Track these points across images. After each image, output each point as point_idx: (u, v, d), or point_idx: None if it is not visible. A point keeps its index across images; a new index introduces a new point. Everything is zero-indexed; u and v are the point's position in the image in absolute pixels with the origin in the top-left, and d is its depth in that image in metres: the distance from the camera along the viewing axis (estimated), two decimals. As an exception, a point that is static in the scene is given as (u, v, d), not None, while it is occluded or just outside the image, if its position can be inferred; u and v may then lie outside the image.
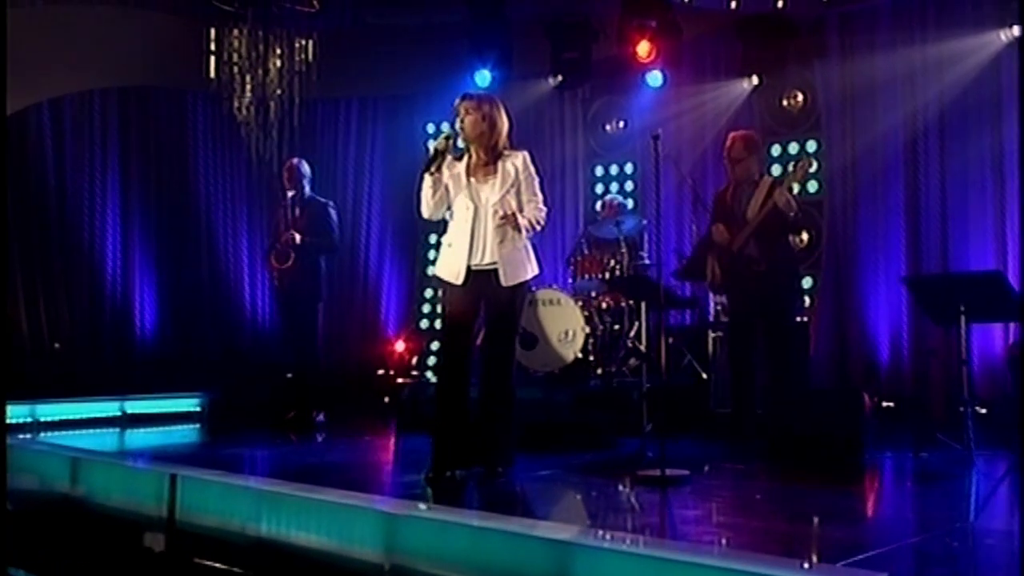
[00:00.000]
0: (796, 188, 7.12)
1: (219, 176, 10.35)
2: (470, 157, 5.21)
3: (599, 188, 9.70)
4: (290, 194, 7.84)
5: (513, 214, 5.07)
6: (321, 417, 7.71)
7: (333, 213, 7.96)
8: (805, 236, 8.41)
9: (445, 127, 9.03)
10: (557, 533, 3.17)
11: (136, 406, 8.09)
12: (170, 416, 8.16)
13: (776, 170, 8.45)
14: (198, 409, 8.37)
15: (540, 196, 5.25)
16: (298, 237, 7.68)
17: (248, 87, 8.99)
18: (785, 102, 8.72)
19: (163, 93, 10.00)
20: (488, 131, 5.14)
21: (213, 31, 8.85)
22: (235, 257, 10.43)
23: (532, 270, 5.23)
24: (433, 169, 5.09)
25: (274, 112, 9.12)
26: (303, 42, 9.06)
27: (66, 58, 9.06)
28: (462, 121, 5.14)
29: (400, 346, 10.03)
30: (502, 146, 5.19)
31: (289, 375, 7.96)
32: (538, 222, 5.17)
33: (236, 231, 10.42)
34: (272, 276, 8.08)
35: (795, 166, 6.65)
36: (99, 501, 4.32)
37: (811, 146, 8.56)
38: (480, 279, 5.12)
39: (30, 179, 9.27)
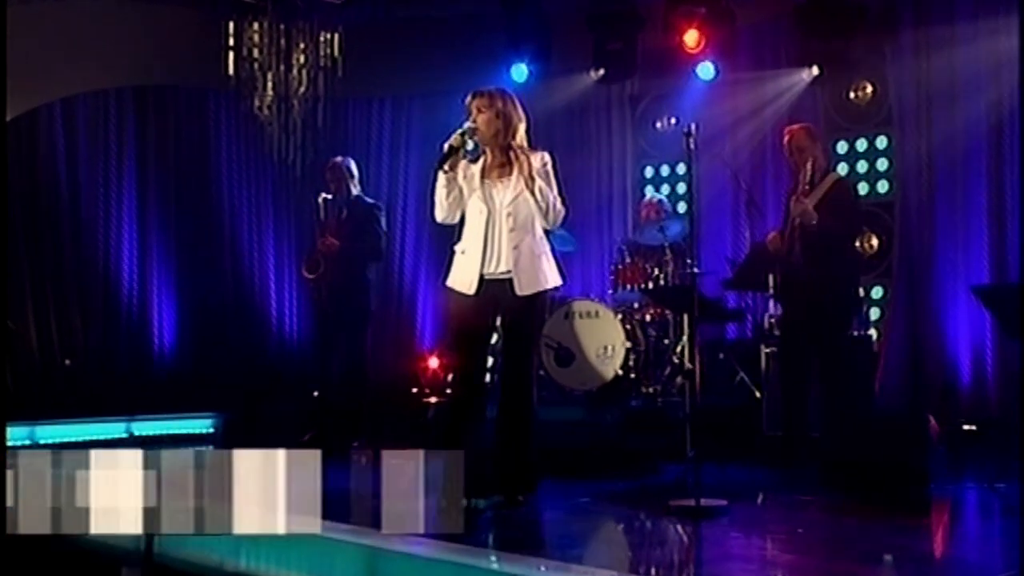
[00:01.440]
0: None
1: (244, 181, 10.39)
2: (485, 159, 5.23)
3: (649, 190, 9.60)
4: (327, 196, 7.69)
5: (532, 177, 5.03)
6: (357, 444, 7.48)
7: (381, 216, 7.80)
8: (875, 241, 8.30)
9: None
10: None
11: (144, 427, 8.14)
12: (180, 438, 8.18)
13: (843, 169, 8.30)
14: (211, 431, 8.39)
15: (558, 197, 5.21)
16: (337, 244, 7.53)
17: (269, 85, 9.02)
18: (852, 94, 8.59)
19: (182, 92, 10.08)
20: (503, 129, 5.15)
21: (232, 25, 8.87)
22: (261, 267, 10.48)
23: (552, 279, 5.21)
24: (447, 167, 5.10)
25: (297, 112, 9.15)
26: (328, 36, 9.05)
27: (78, 56, 9.15)
28: (475, 120, 5.15)
29: (434, 362, 9.98)
30: (518, 144, 5.18)
31: (316, 393, 7.92)
32: (553, 208, 5.11)
33: (262, 239, 10.46)
34: (311, 288, 7.98)
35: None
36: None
37: (881, 142, 8.44)
38: (494, 289, 5.11)
39: (40, 185, 9.38)
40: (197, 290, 10.08)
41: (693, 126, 5.60)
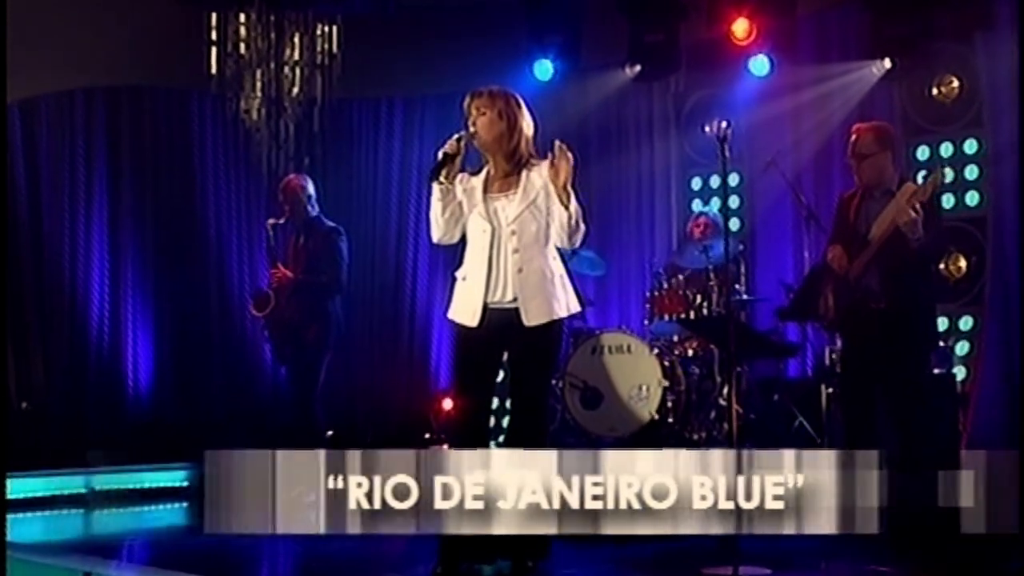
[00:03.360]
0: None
1: (232, 194, 10.35)
2: (488, 169, 5.16)
3: (696, 204, 9.46)
4: (278, 220, 7.83)
5: (566, 191, 4.88)
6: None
7: (343, 241, 7.90)
8: (963, 263, 8.13)
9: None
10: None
11: (108, 481, 8.14)
12: (149, 493, 8.19)
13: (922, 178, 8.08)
14: (185, 484, 8.34)
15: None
16: (291, 275, 7.67)
17: (258, 85, 9.00)
18: (935, 91, 8.42)
19: (160, 93, 10.05)
20: (507, 132, 5.06)
21: (215, 17, 8.88)
22: (251, 291, 10.33)
23: (568, 305, 5.11)
24: (442, 177, 5.01)
25: (290, 115, 9.13)
26: (325, 29, 9.08)
27: (40, 51, 9.02)
28: (474, 123, 5.07)
29: (448, 403, 9.84)
30: (526, 152, 5.11)
31: (330, 432, 8.07)
32: (566, 228, 4.97)
33: (253, 261, 10.37)
34: (261, 327, 8.10)
35: (924, 179, 6.45)
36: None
37: (970, 146, 8.25)
38: (501, 320, 5.02)
39: (-6, 199, 9.36)
40: (178, 320, 10.01)
41: (726, 126, 5.41)
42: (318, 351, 7.78)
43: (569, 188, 4.91)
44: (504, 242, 5.02)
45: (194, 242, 10.17)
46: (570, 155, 4.90)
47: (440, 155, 4.98)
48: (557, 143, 4.92)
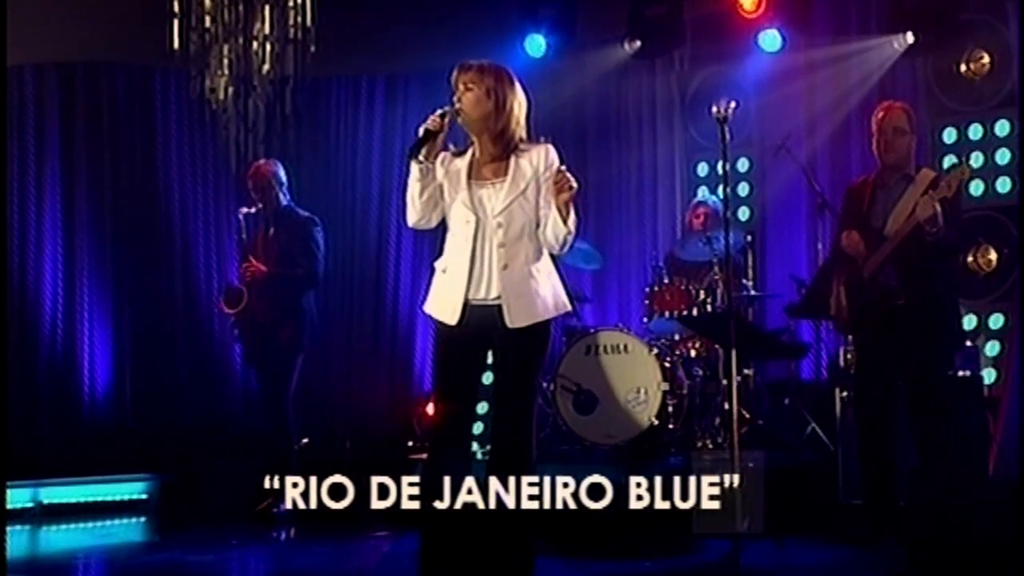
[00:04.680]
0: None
1: (198, 181, 10.29)
2: (474, 152, 5.08)
3: (702, 192, 9.42)
4: (250, 209, 7.84)
5: (567, 208, 4.85)
6: (282, 508, 7.48)
7: (319, 232, 7.91)
8: (993, 255, 8.11)
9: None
10: None
11: (57, 494, 8.12)
12: (101, 507, 8.16)
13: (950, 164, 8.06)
14: (143, 497, 8.35)
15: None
16: (264, 268, 7.67)
17: (225, 62, 8.92)
18: (963, 67, 8.38)
19: (118, 71, 9.99)
20: (495, 112, 4.98)
21: (176, -14, 8.82)
22: (220, 286, 10.09)
23: (556, 305, 5.06)
24: (422, 155, 4.94)
25: (260, 95, 9.07)
26: (298, 1, 8.94)
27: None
28: (460, 100, 5.00)
29: (432, 408, 9.81)
30: (516, 136, 5.04)
31: (305, 440, 8.14)
32: (560, 241, 4.99)
33: (222, 254, 10.35)
34: (232, 325, 8.10)
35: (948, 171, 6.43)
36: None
37: (1001, 128, 8.20)
38: (483, 319, 4.98)
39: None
40: (138, 318, 9.96)
41: (733, 107, 5.36)
42: (291, 351, 7.80)
43: (570, 205, 4.88)
44: (489, 235, 4.97)
45: (156, 233, 10.10)
46: (573, 183, 4.84)
47: (421, 131, 4.92)
48: (558, 168, 4.88)
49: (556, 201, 4.85)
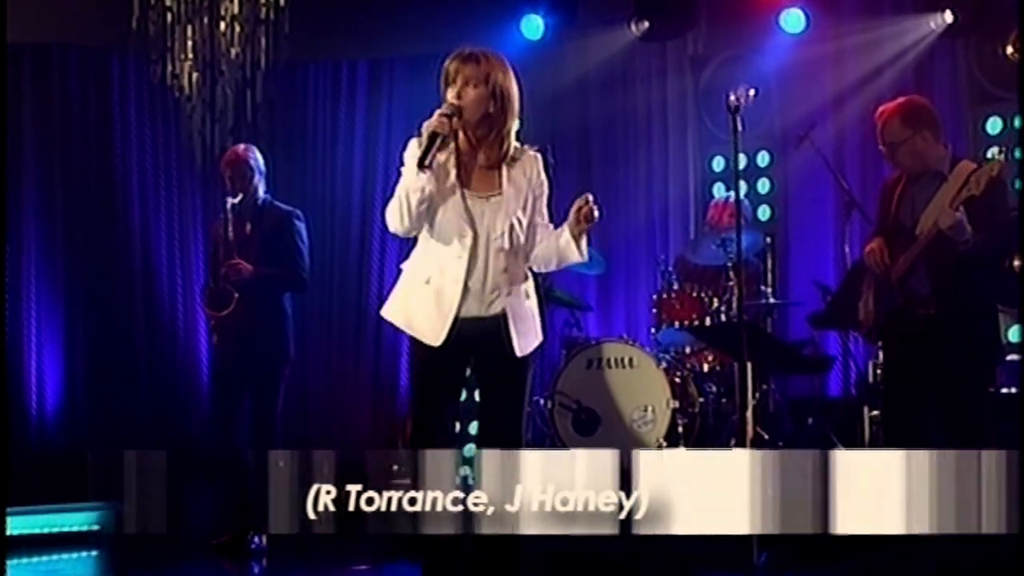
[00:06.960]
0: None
1: (160, 175, 10.31)
2: (460, 152, 5.02)
3: (718, 189, 9.50)
4: (231, 201, 7.70)
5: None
6: (259, 540, 7.49)
7: (301, 227, 7.82)
8: None
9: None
10: None
11: None
12: (46, 540, 8.06)
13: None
14: (95, 527, 8.22)
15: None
16: (250, 268, 7.55)
17: (189, 44, 8.93)
18: (1008, 49, 8.46)
19: (72, 54, 10.02)
20: (499, 115, 4.94)
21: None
22: (186, 294, 10.36)
23: (538, 332, 5.13)
24: (427, 162, 4.88)
25: (228, 81, 9.08)
26: (268, -22, 9.04)
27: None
28: (459, 97, 4.92)
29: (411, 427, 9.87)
30: (513, 140, 5.03)
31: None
32: (562, 266, 5.15)
33: (187, 255, 10.39)
34: (211, 331, 8.07)
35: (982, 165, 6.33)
36: None
37: None
38: (473, 336, 4.97)
39: None
40: (93, 328, 9.99)
41: (745, 94, 5.39)
42: (277, 362, 7.74)
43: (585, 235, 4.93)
44: (490, 255, 4.94)
45: (113, 235, 10.12)
46: (596, 214, 4.85)
47: (424, 135, 4.84)
48: (587, 197, 4.89)
49: (574, 229, 4.86)
